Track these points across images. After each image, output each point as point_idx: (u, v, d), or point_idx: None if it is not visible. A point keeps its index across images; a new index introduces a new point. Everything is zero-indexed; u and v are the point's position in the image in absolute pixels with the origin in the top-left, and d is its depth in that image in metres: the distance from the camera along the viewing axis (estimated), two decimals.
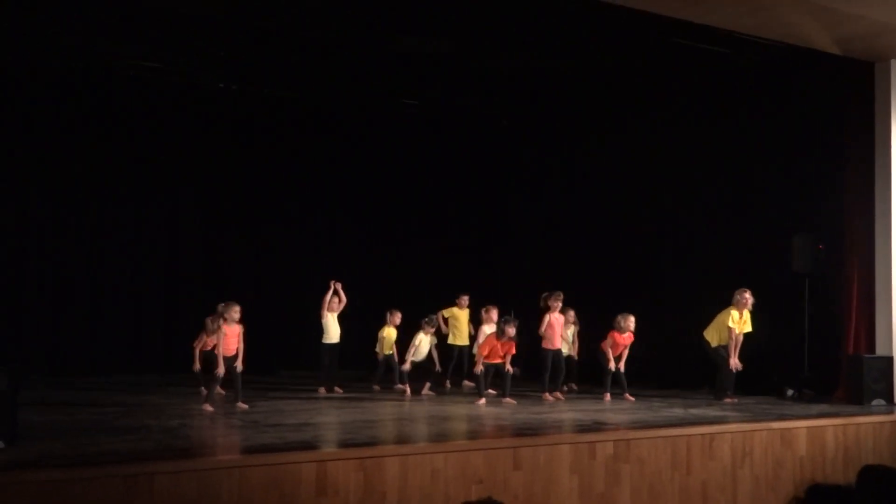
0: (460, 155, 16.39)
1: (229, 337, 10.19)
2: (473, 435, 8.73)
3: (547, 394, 11.48)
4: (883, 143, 11.63)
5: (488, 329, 12.29)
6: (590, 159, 15.05)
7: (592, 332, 12.44)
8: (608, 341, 11.84)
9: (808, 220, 12.35)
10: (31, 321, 14.04)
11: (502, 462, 7.56)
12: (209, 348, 10.39)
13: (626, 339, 11.79)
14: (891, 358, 11.42)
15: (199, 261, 15.42)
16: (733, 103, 13.35)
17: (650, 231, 14.22)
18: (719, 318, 11.62)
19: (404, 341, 12.39)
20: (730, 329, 11.46)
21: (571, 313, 12.32)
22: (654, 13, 10.15)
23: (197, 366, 11.00)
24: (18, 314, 13.95)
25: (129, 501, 6.09)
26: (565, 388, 12.00)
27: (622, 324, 11.74)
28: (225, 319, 10.20)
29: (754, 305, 11.57)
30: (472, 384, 12.44)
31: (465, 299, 13.26)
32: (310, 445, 7.63)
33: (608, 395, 11.63)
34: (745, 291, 11.48)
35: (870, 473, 4.75)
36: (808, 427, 9.38)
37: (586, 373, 12.49)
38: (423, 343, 12.18)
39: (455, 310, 13.24)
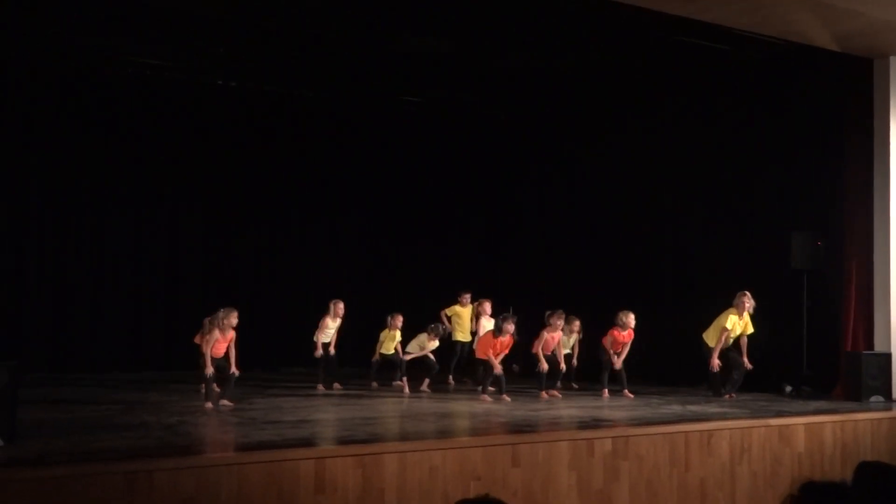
0: (462, 154, 16.39)
1: (220, 342, 10.19)
2: (472, 432, 8.75)
3: (544, 392, 11.48)
4: (882, 139, 11.63)
5: (486, 322, 12.34)
6: (590, 157, 15.04)
7: (592, 330, 12.45)
8: (608, 338, 11.87)
9: (807, 217, 12.35)
10: (31, 318, 14.07)
11: (501, 459, 7.57)
12: (206, 346, 10.39)
13: (626, 336, 11.81)
14: (889, 355, 11.43)
15: (199, 258, 15.43)
16: (733, 100, 13.35)
17: (650, 228, 14.21)
18: (719, 319, 11.60)
19: (406, 341, 12.41)
20: (723, 330, 11.45)
21: (577, 323, 12.26)
22: (655, 11, 10.15)
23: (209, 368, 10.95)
24: (18, 311, 13.97)
25: (129, 498, 6.10)
26: (559, 386, 11.99)
27: (623, 320, 11.75)
28: (222, 325, 10.18)
29: (754, 306, 11.56)
30: (471, 381, 12.47)
31: (467, 297, 13.34)
32: (308, 442, 7.66)
33: (606, 391, 11.66)
34: (745, 294, 11.47)
35: (866, 470, 4.75)
36: (806, 424, 9.41)
37: (586, 369, 12.48)
38: (429, 346, 12.22)
39: (457, 307, 13.34)
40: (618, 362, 11.79)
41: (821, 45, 11.28)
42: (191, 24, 11.64)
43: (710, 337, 11.67)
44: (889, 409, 10.63)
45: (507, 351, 11.36)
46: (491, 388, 11.26)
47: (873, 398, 11.12)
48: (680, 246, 14.04)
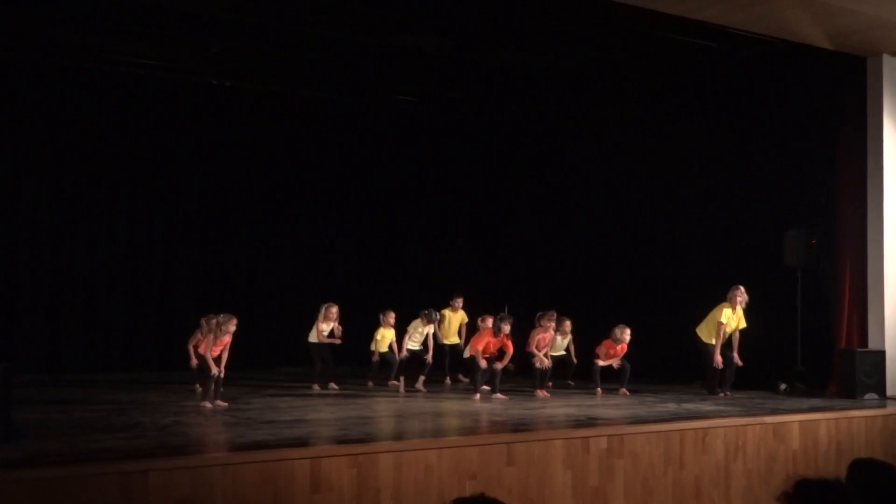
0: (456, 153, 16.40)
1: (217, 346, 10.19)
2: (467, 431, 8.75)
3: (538, 391, 11.49)
4: (875, 137, 11.66)
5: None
6: (582, 155, 15.06)
7: (586, 330, 12.46)
8: (601, 349, 11.95)
9: (800, 215, 12.38)
10: (25, 318, 14.05)
11: (496, 457, 7.58)
12: (202, 348, 10.39)
13: (618, 349, 11.93)
14: (883, 352, 11.46)
15: (195, 258, 15.42)
16: (726, 98, 13.38)
17: (643, 226, 14.24)
18: (712, 314, 11.65)
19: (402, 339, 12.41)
20: (720, 324, 11.49)
21: (567, 324, 12.27)
22: (648, 9, 10.17)
23: (194, 361, 10.97)
24: (13, 311, 13.95)
25: (124, 499, 6.09)
26: (550, 384, 11.99)
27: (618, 335, 11.84)
28: (220, 330, 10.18)
29: (747, 301, 11.60)
30: (467, 379, 12.48)
31: (458, 301, 13.25)
32: (304, 442, 7.65)
33: (599, 389, 11.69)
34: (739, 288, 11.52)
35: (860, 467, 4.76)
36: (800, 421, 9.43)
37: (580, 367, 12.49)
38: (418, 334, 12.23)
39: (447, 311, 13.26)
40: (603, 362, 11.89)
41: (814, 43, 11.30)
42: (185, 23, 11.62)
43: (704, 331, 11.71)
44: (883, 406, 10.67)
45: (510, 351, 11.36)
46: (485, 387, 11.26)
47: (867, 395, 11.15)
48: (674, 244, 14.06)
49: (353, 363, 13.25)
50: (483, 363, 11.24)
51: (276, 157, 15.75)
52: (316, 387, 11.97)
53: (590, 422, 9.09)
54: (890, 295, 11.59)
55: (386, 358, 12.41)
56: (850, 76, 11.82)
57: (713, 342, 11.61)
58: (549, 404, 10.74)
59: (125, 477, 6.15)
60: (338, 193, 16.54)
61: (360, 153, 16.46)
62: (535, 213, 15.96)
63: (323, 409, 10.17)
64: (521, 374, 12.28)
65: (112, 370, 13.97)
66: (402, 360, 12.23)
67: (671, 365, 13.07)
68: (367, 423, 9.16)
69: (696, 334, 11.76)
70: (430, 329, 12.43)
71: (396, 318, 12.56)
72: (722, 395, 11.40)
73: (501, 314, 11.61)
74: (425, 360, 12.27)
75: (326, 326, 12.16)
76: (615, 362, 11.92)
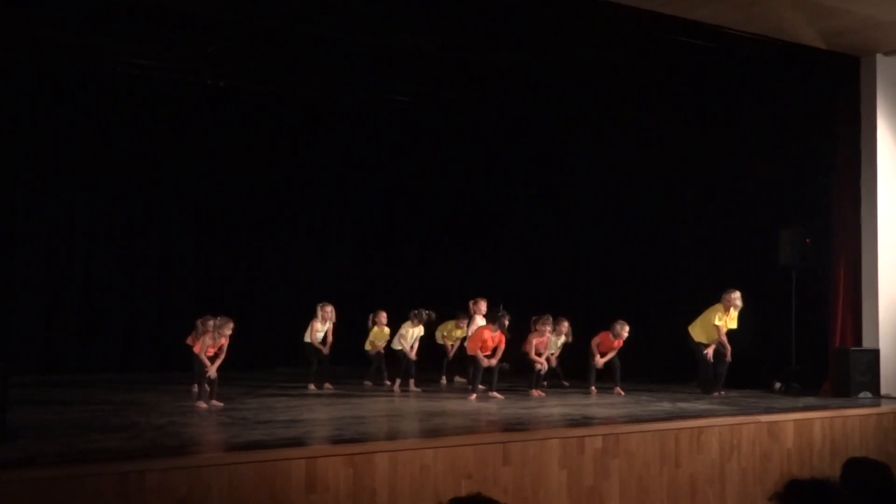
0: (451, 153, 16.38)
1: (212, 348, 10.20)
2: (462, 430, 8.76)
3: (534, 390, 11.51)
4: (869, 137, 11.70)
5: (480, 321, 12.34)
6: (578, 155, 15.05)
7: (582, 329, 12.48)
8: (597, 339, 11.94)
9: (795, 214, 12.42)
10: (21, 318, 14.05)
11: (492, 457, 7.60)
12: (197, 348, 10.41)
13: (615, 343, 11.92)
14: (877, 351, 11.50)
15: (189, 258, 15.43)
16: (721, 98, 13.40)
17: (638, 226, 14.25)
18: (706, 315, 11.69)
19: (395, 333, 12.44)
20: (717, 327, 11.54)
21: (565, 325, 12.26)
22: (643, 9, 10.19)
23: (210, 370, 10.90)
24: (9, 311, 13.95)
25: (121, 499, 6.10)
26: (545, 385, 12.02)
27: (617, 330, 11.83)
28: (216, 333, 10.19)
29: (743, 299, 11.63)
30: (463, 379, 12.49)
31: (464, 321, 12.93)
32: (300, 442, 7.66)
33: (594, 388, 11.72)
34: (734, 292, 11.55)
35: (854, 466, 4.78)
36: (795, 420, 9.47)
37: (576, 368, 12.51)
38: (409, 335, 12.22)
39: (451, 325, 13.10)
40: (600, 362, 11.89)
41: (808, 43, 11.34)
42: (180, 23, 11.61)
43: (696, 331, 11.75)
44: (877, 404, 10.72)
45: (502, 347, 11.38)
46: (481, 387, 11.28)
47: (862, 394, 11.19)
48: (669, 244, 14.08)
49: (349, 363, 13.25)
50: (486, 362, 11.22)
51: (272, 158, 15.76)
52: (312, 387, 11.97)
53: (585, 421, 9.11)
54: (884, 294, 11.64)
55: (379, 359, 12.41)
56: (844, 76, 11.85)
57: (704, 341, 11.65)
58: (545, 404, 10.76)
59: (122, 477, 6.15)
60: (333, 194, 16.55)
61: (356, 153, 16.47)
62: (531, 212, 15.97)
63: (318, 409, 10.18)
64: (516, 373, 12.30)
65: (108, 370, 13.97)
66: (406, 362, 12.20)
67: (666, 364, 13.09)
68: (363, 422, 9.17)
69: (688, 333, 11.80)
70: (420, 330, 12.32)
71: (391, 319, 12.56)
72: (717, 394, 11.43)
73: (502, 311, 11.62)
74: (411, 361, 12.19)
75: (322, 326, 12.16)
76: (609, 355, 11.89)
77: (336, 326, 12.28)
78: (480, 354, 11.24)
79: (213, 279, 15.38)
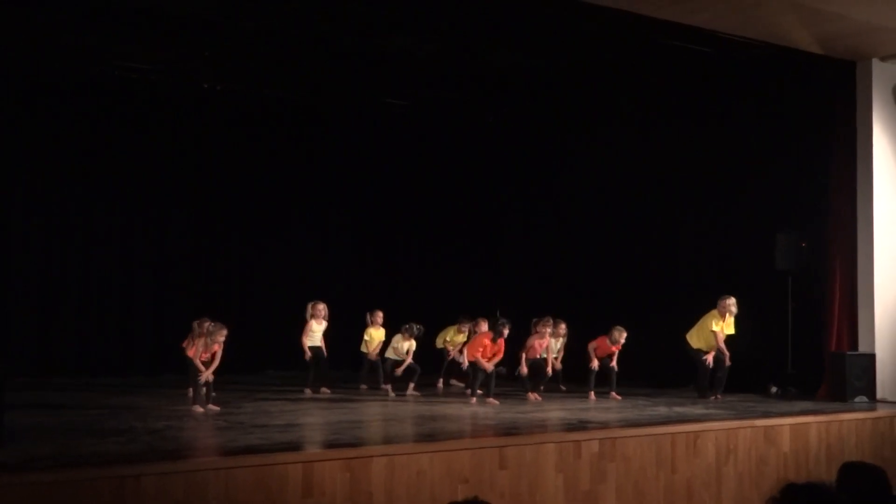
0: (448, 156, 16.39)
1: (206, 353, 10.19)
2: (459, 434, 8.76)
3: (530, 394, 11.52)
4: (865, 142, 11.72)
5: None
6: (575, 158, 15.07)
7: (580, 333, 12.49)
8: (594, 344, 11.95)
9: (791, 219, 12.44)
10: (17, 322, 14.02)
11: (488, 461, 7.60)
12: (192, 352, 10.41)
13: (612, 349, 11.92)
14: (873, 355, 11.51)
15: (186, 261, 15.40)
16: (717, 103, 13.42)
17: (635, 230, 14.26)
18: (703, 322, 11.72)
19: (391, 339, 12.42)
20: (714, 333, 11.58)
21: (563, 326, 12.28)
22: (640, 14, 10.21)
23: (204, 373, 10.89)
24: (5, 315, 13.91)
25: (117, 503, 6.11)
26: (542, 389, 12.01)
27: (614, 336, 11.84)
28: (209, 339, 10.18)
29: (738, 304, 11.65)
30: (461, 384, 12.49)
31: (466, 326, 12.88)
32: (296, 446, 7.67)
33: (592, 393, 11.71)
34: (728, 298, 11.58)
35: (850, 470, 4.79)
36: (791, 424, 9.48)
37: (573, 372, 12.50)
38: (400, 348, 12.19)
39: (452, 331, 13.09)
40: (596, 364, 11.88)
41: (805, 48, 11.36)
42: (176, 26, 11.61)
43: (694, 337, 11.78)
44: (873, 409, 10.73)
45: (500, 354, 11.38)
46: (479, 391, 11.29)
47: (857, 399, 11.20)
48: (665, 248, 14.10)
49: (345, 367, 13.24)
50: (487, 367, 11.20)
51: (269, 161, 15.73)
52: (308, 391, 11.96)
53: (581, 425, 9.12)
54: (880, 298, 11.65)
55: (374, 361, 12.41)
56: (840, 81, 11.88)
57: (703, 348, 11.68)
58: (541, 408, 10.77)
59: (119, 481, 6.16)
60: (332, 197, 16.52)
61: (352, 156, 16.45)
62: (529, 215, 15.98)
63: (315, 413, 10.17)
64: (511, 378, 12.30)
65: (104, 374, 13.94)
66: (389, 365, 12.20)
67: (663, 368, 13.10)
68: (360, 426, 9.17)
69: (685, 340, 11.81)
70: (411, 344, 12.22)
71: (387, 322, 12.56)
72: (713, 398, 11.45)
73: (501, 319, 11.61)
74: (414, 366, 12.18)
75: (317, 324, 12.12)
76: (609, 357, 11.91)
77: (333, 329, 12.28)
78: (481, 360, 11.23)
79: (210, 283, 15.35)
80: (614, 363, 11.90)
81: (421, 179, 16.63)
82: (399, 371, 12.03)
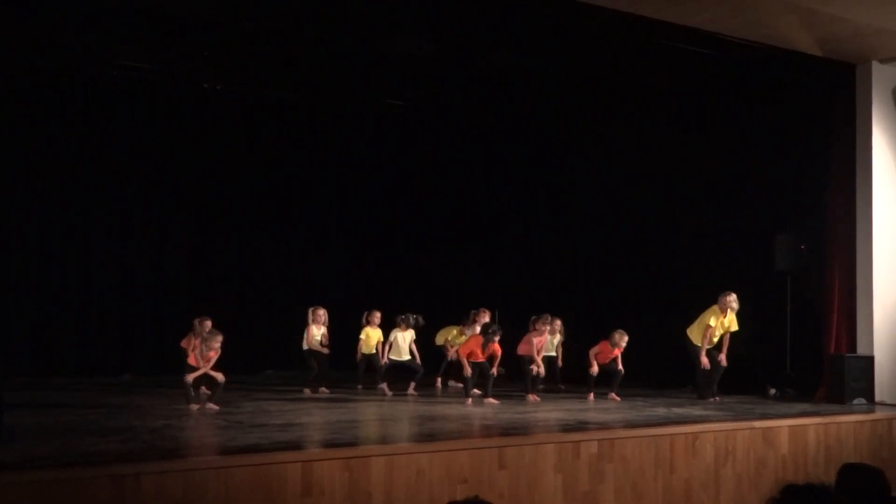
0: (446, 157, 16.40)
1: (204, 361, 10.21)
2: (458, 434, 8.76)
3: (529, 395, 11.52)
4: (864, 144, 11.73)
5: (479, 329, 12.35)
6: (574, 160, 15.09)
7: (579, 333, 12.50)
8: (596, 349, 11.94)
9: (790, 220, 12.45)
10: (16, 322, 14.02)
11: (487, 461, 7.61)
12: (192, 358, 10.42)
13: (614, 352, 11.92)
14: (872, 357, 11.52)
15: (184, 261, 15.41)
16: (717, 104, 13.43)
17: (635, 231, 14.27)
18: (703, 317, 11.71)
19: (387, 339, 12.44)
20: (707, 327, 11.55)
21: (558, 323, 12.30)
22: (640, 15, 10.22)
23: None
24: (4, 315, 13.91)
25: (116, 502, 6.11)
26: (541, 388, 12.02)
27: (616, 339, 11.84)
28: (205, 347, 10.20)
29: (738, 301, 11.65)
30: (459, 384, 12.49)
31: (469, 329, 13.00)
32: (295, 445, 7.66)
33: (592, 394, 11.71)
34: (729, 294, 11.57)
35: (849, 472, 4.81)
36: (790, 426, 9.48)
37: (572, 372, 12.52)
38: (399, 339, 12.21)
39: (455, 332, 13.12)
40: (596, 370, 11.88)
41: (804, 50, 11.36)
42: (176, 26, 11.62)
43: (694, 333, 11.77)
44: (871, 411, 10.73)
45: (499, 355, 11.39)
46: (477, 392, 11.29)
47: (856, 400, 11.20)
48: (665, 249, 14.11)
49: (344, 368, 13.24)
50: (469, 370, 11.25)
51: (268, 162, 15.75)
52: (307, 391, 11.97)
53: (580, 426, 9.12)
54: (879, 300, 11.66)
55: (371, 361, 12.42)
56: (840, 83, 11.89)
57: (701, 344, 11.68)
58: (540, 408, 10.77)
59: (118, 480, 6.16)
60: (330, 198, 16.54)
61: (352, 157, 16.48)
62: (527, 216, 15.99)
63: (314, 413, 10.17)
64: (510, 378, 12.30)
65: (103, 373, 13.95)
66: (385, 367, 12.21)
67: (662, 369, 13.11)
68: (358, 426, 9.18)
69: (686, 335, 11.82)
70: (411, 334, 12.32)
71: (384, 322, 12.56)
72: (712, 399, 11.45)
73: (493, 326, 11.59)
74: (417, 366, 12.21)
75: (317, 329, 12.16)
76: (606, 365, 11.92)
77: (331, 331, 12.28)
78: (465, 361, 11.25)
79: (210, 283, 15.36)
80: (620, 366, 11.88)
81: (421, 180, 16.64)
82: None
